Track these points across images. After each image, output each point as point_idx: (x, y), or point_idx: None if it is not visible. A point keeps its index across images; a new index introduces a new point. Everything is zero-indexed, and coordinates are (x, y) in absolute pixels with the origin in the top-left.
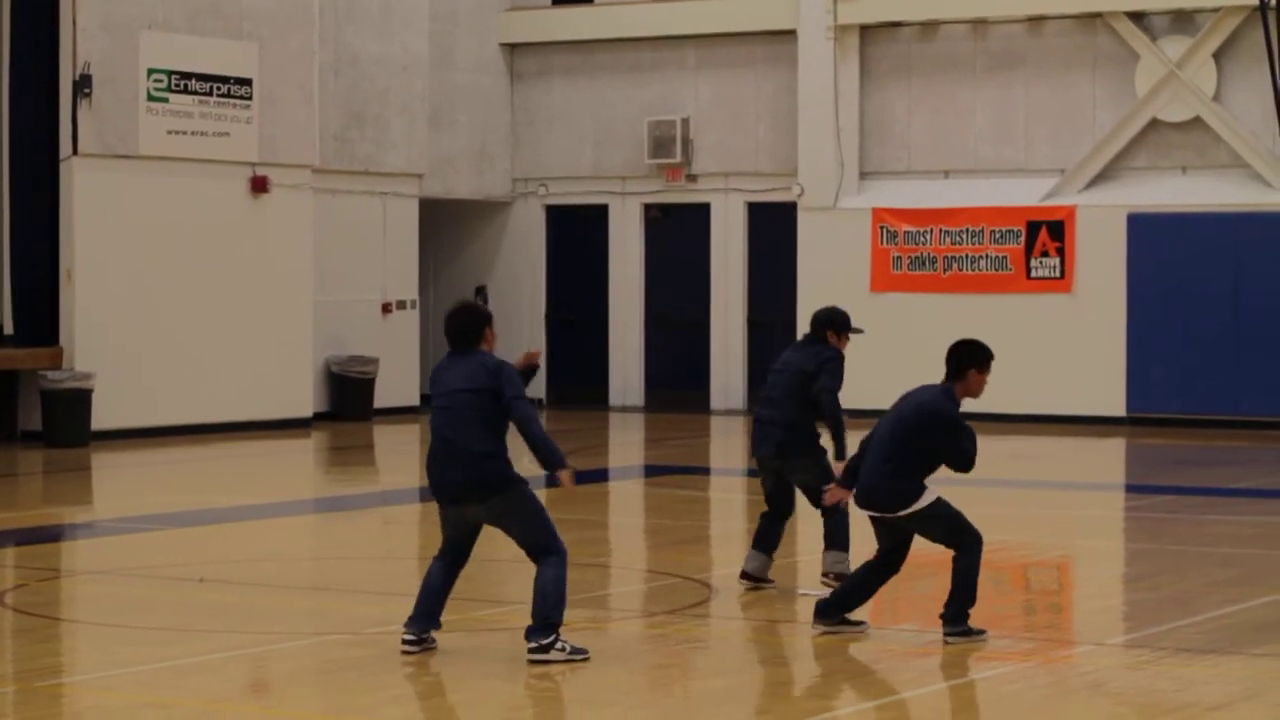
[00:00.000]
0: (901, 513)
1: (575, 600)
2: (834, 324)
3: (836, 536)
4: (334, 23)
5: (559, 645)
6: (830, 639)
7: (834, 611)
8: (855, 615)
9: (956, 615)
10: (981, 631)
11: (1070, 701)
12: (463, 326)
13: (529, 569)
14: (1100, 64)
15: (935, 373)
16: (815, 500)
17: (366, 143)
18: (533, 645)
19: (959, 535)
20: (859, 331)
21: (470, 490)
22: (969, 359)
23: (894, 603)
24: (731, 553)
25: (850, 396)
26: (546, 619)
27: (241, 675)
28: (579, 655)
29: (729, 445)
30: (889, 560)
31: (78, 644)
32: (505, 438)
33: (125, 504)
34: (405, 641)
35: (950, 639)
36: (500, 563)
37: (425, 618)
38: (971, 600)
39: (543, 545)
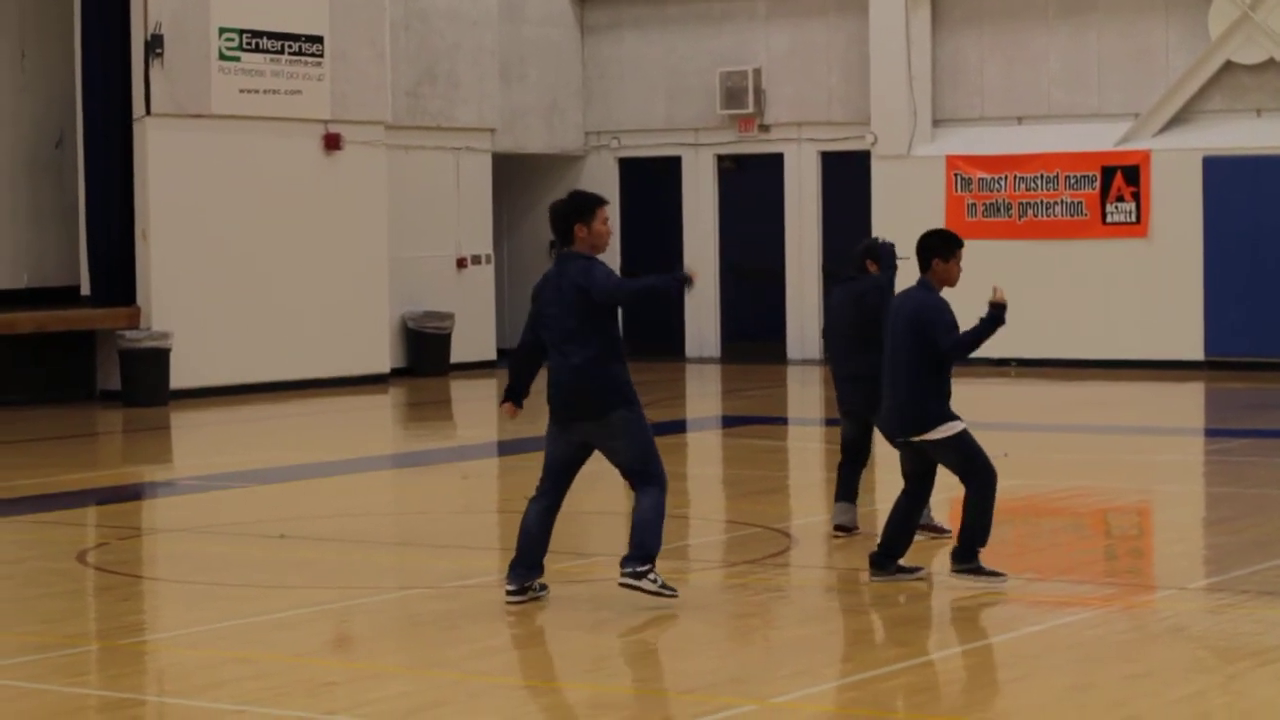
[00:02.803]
0: (927, 436)
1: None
2: (869, 253)
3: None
4: None
5: (651, 576)
6: (907, 586)
7: (886, 561)
8: (909, 561)
9: (963, 553)
10: (998, 574)
11: (1152, 646)
12: (553, 222)
13: (613, 521)
14: (1172, 7)
15: (1013, 318)
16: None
17: (438, 98)
18: (626, 571)
19: (972, 469)
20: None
21: (575, 407)
22: (930, 249)
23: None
24: (810, 502)
25: None
26: (643, 547)
27: (324, 630)
28: (668, 592)
29: (806, 395)
30: (917, 491)
31: (160, 602)
32: (614, 349)
33: (205, 462)
34: (509, 593)
35: (957, 574)
36: (585, 514)
37: (527, 566)
38: (982, 538)
39: (643, 469)
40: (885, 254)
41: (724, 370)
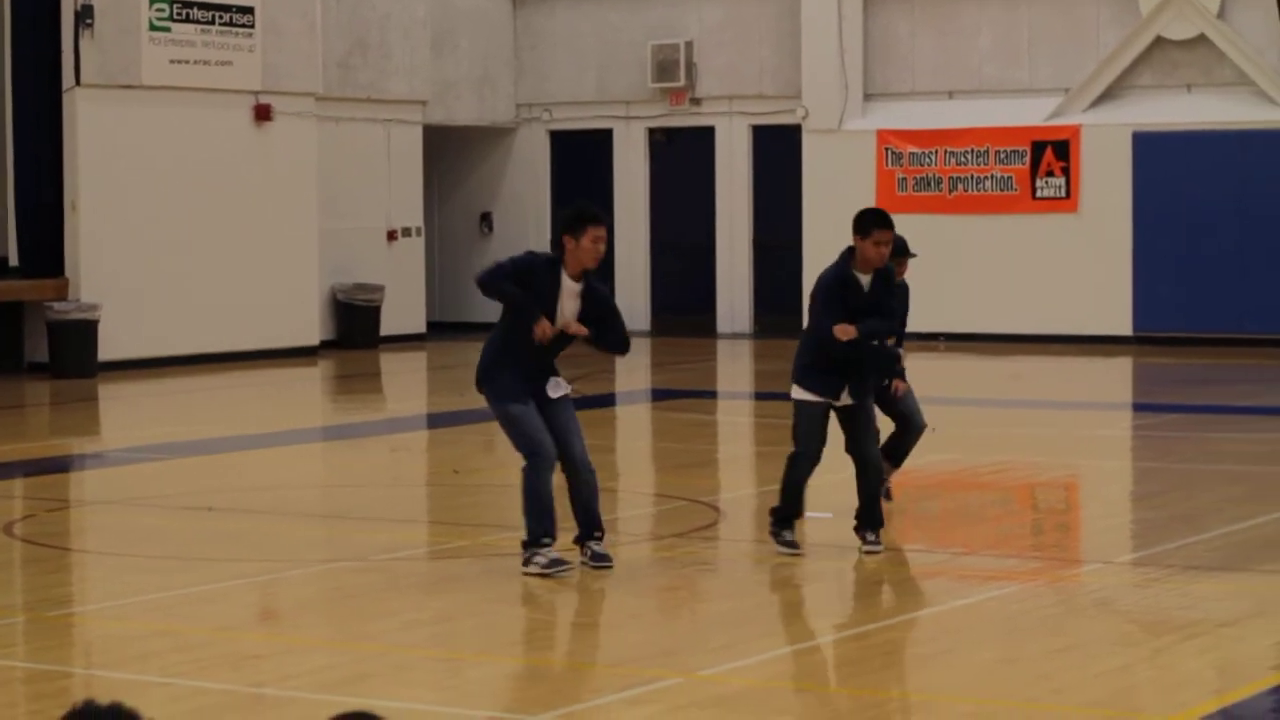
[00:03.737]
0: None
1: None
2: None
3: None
4: None
5: (537, 558)
6: (833, 562)
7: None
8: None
9: (778, 515)
10: (794, 544)
11: (1078, 620)
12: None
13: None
14: None
15: (942, 293)
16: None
17: (369, 69)
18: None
19: (793, 437)
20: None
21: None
22: (852, 229)
23: (902, 523)
24: (739, 476)
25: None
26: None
27: (251, 603)
28: (557, 568)
29: (736, 369)
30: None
31: (87, 574)
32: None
33: (132, 434)
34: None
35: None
36: (510, 488)
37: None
38: (789, 509)
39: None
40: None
41: (654, 344)
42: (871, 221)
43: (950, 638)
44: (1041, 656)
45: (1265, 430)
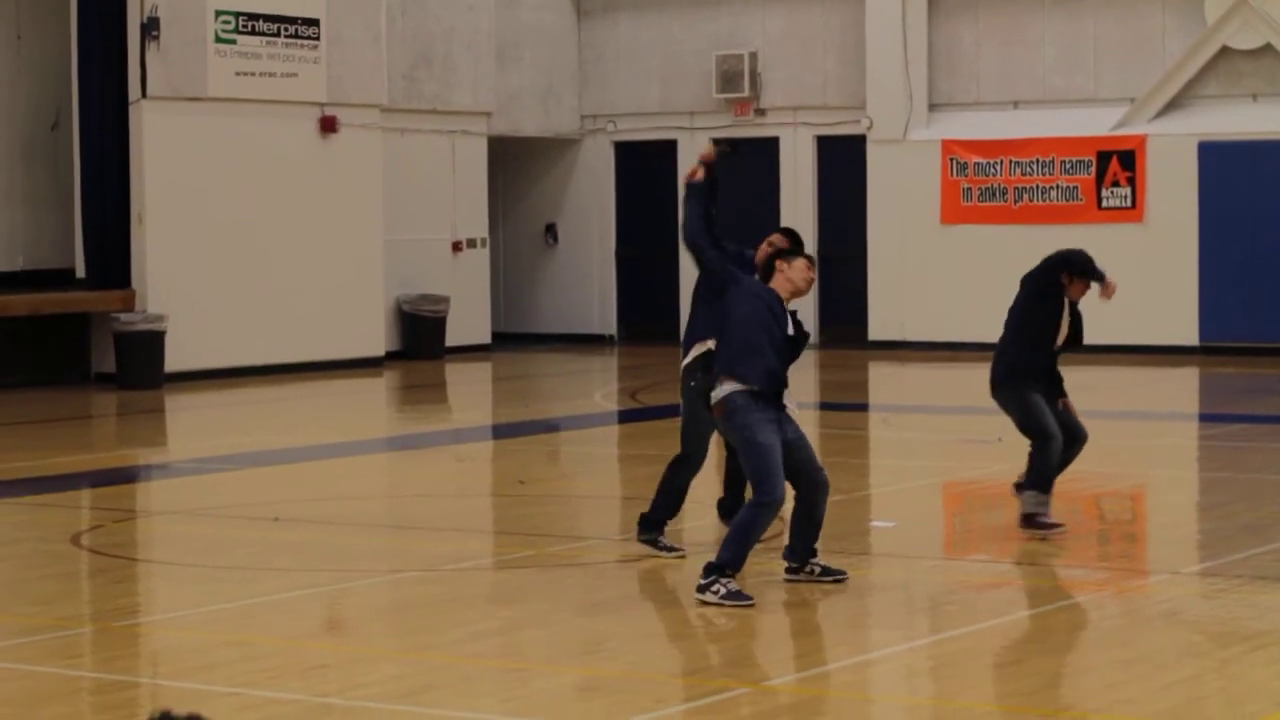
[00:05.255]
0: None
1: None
2: (1067, 265)
3: (1029, 474)
4: None
5: (714, 587)
6: (898, 573)
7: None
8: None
9: (648, 521)
10: (676, 549)
11: (1146, 630)
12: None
13: (606, 505)
14: None
15: (1007, 303)
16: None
17: (434, 81)
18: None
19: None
20: (1098, 278)
21: None
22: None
23: (967, 534)
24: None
25: (922, 329)
26: (711, 560)
27: (317, 613)
28: (733, 601)
29: (801, 379)
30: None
31: (154, 584)
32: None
33: (199, 445)
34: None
35: (640, 540)
36: (577, 498)
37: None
38: (664, 514)
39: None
40: (1080, 268)
41: None
42: (787, 245)
43: (1018, 648)
44: (1109, 667)
45: None
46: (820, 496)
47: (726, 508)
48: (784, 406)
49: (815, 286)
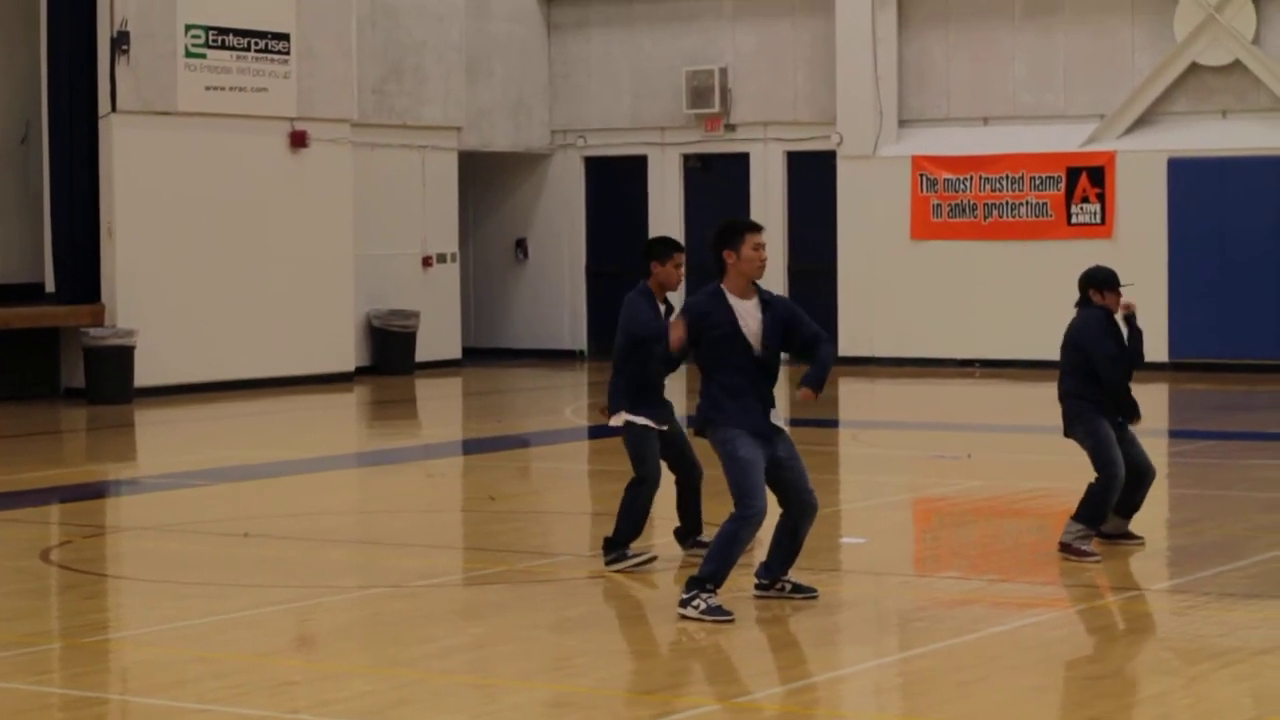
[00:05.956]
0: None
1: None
2: (1094, 282)
3: (1082, 507)
4: None
5: (695, 602)
6: (868, 589)
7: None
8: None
9: (612, 542)
10: (646, 554)
11: (1114, 647)
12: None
13: (575, 520)
14: (1139, 8)
15: (977, 319)
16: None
17: (404, 96)
18: (682, 596)
19: (633, 466)
20: (1127, 285)
21: None
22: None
23: (938, 550)
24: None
25: (892, 344)
26: (694, 574)
27: (287, 629)
28: (713, 616)
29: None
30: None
31: (123, 600)
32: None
33: (169, 460)
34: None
35: (608, 566)
36: (548, 514)
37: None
38: (628, 531)
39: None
40: (1106, 282)
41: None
42: (659, 246)
43: (987, 665)
44: (1078, 684)
45: None
46: (807, 518)
47: (682, 535)
48: (775, 425)
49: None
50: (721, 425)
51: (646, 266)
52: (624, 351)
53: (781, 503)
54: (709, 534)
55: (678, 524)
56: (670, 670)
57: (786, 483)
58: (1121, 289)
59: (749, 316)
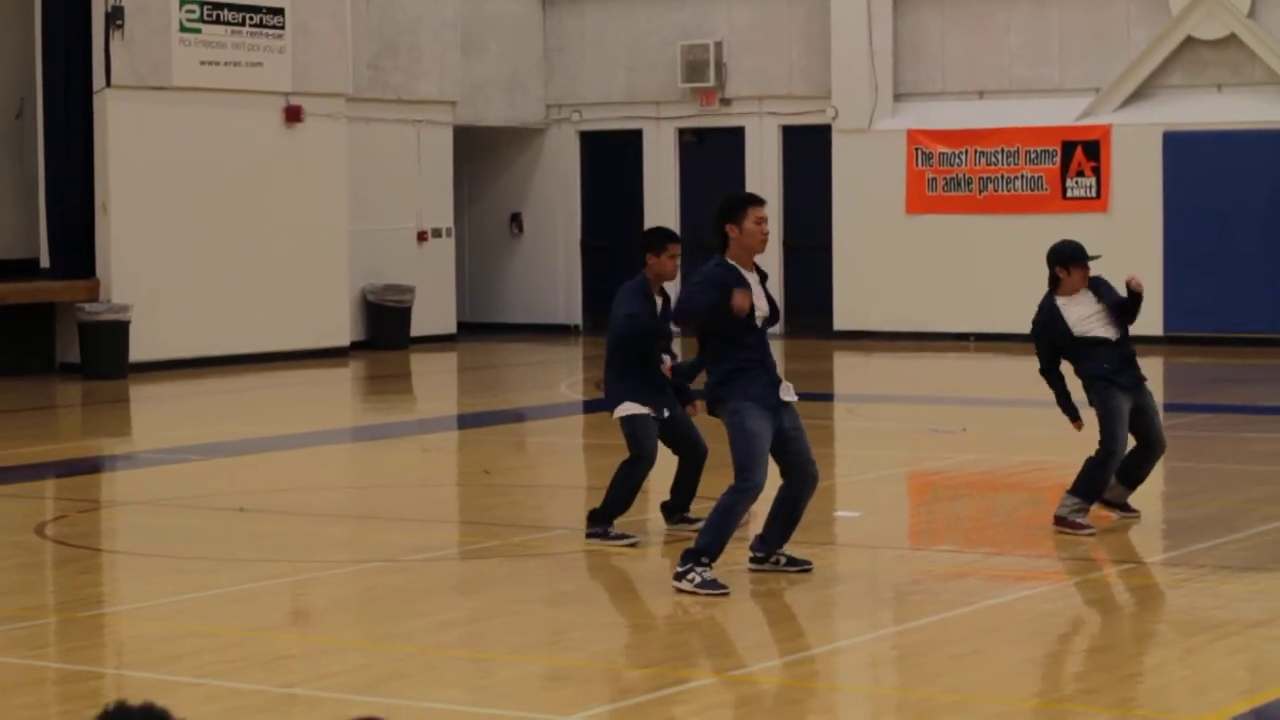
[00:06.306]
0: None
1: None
2: (1060, 258)
3: (1080, 480)
4: None
5: (690, 575)
6: (863, 563)
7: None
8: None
9: (598, 515)
10: (628, 536)
11: (1110, 620)
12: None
13: (570, 494)
14: None
15: (972, 293)
16: None
17: (399, 71)
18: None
19: (630, 448)
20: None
21: None
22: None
23: (933, 524)
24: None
25: (887, 318)
26: (690, 546)
27: (282, 604)
28: (708, 590)
29: None
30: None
31: (118, 574)
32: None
33: (164, 435)
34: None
35: (588, 538)
36: (543, 488)
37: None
38: (615, 506)
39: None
40: (1069, 258)
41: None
42: (656, 236)
43: (982, 638)
44: (1073, 656)
45: None
46: (807, 489)
47: (669, 509)
48: (783, 398)
49: (781, 276)
50: (731, 398)
51: (643, 257)
52: (616, 345)
53: (783, 473)
54: (700, 510)
55: (668, 498)
56: (666, 644)
57: (790, 453)
58: (1089, 262)
59: (755, 289)
